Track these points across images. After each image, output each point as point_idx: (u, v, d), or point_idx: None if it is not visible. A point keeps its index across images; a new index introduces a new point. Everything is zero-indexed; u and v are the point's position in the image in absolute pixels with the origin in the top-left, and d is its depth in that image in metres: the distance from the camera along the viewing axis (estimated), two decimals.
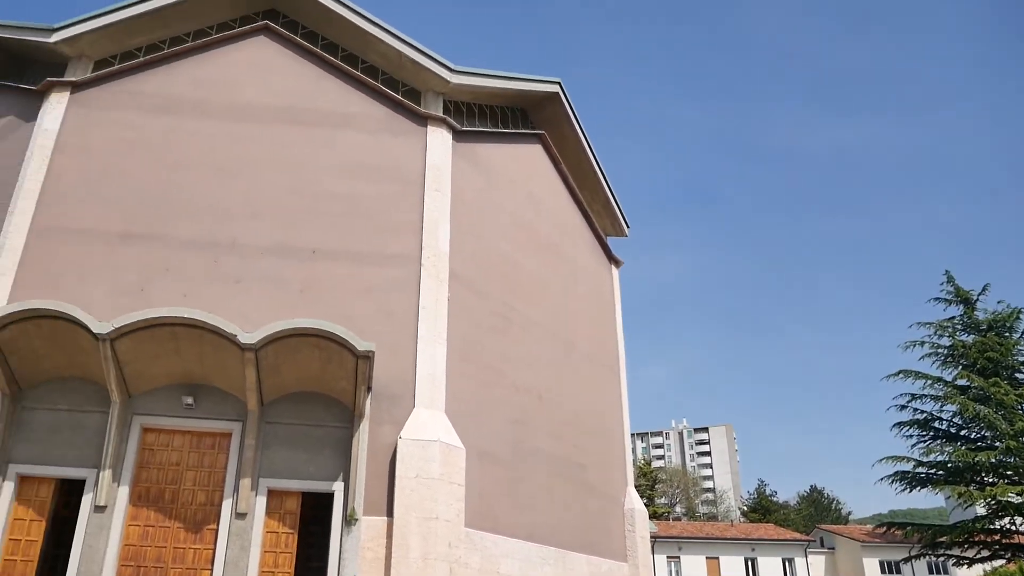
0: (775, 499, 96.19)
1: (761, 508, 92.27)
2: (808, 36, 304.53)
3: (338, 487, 16.89)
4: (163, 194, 19.13)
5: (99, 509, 16.13)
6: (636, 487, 26.36)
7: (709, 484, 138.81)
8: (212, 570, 16.05)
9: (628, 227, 30.02)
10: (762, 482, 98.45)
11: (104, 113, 20.06)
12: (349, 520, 16.47)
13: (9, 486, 16.25)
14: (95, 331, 15.50)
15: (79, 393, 17.03)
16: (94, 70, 20.77)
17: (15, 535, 16.15)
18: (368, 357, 16.01)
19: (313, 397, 17.49)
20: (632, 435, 27.65)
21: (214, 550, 16.23)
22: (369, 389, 17.22)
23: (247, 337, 15.62)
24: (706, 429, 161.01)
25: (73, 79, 20.32)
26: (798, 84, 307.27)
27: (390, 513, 16.73)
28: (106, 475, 16.19)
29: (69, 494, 17.42)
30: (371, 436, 17.30)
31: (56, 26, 20.45)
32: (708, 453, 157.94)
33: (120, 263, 18.33)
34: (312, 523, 18.47)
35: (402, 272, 19.02)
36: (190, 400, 17.10)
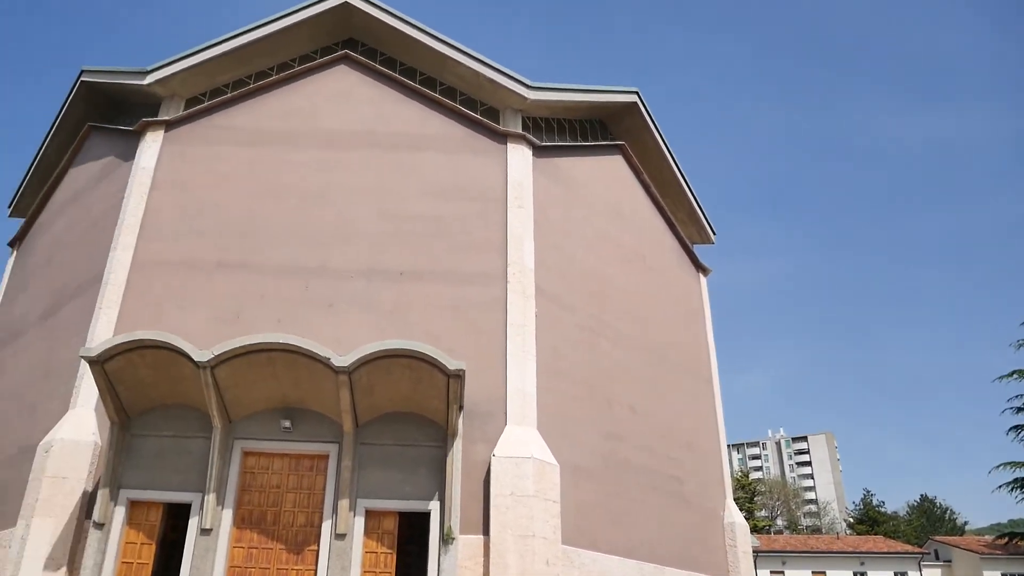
0: (883, 510, 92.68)
1: (868, 520, 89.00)
2: (891, 23, 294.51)
3: (434, 506, 16.99)
4: (255, 223, 19.79)
5: (205, 532, 16.63)
6: (734, 500, 25.68)
7: (811, 495, 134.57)
8: None
9: (714, 234, 29.51)
10: (868, 492, 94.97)
11: (196, 149, 20.88)
12: (446, 539, 16.54)
13: (120, 511, 16.94)
14: (195, 359, 16.05)
15: (183, 419, 17.66)
16: (185, 108, 21.68)
17: (127, 558, 16.80)
18: (459, 376, 16.09)
19: (406, 417, 17.67)
20: (728, 446, 26.99)
21: (315, 570, 16.52)
22: (461, 408, 17.30)
23: (340, 360, 15.90)
24: (805, 438, 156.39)
25: (167, 118, 21.23)
26: (884, 75, 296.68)
27: (486, 531, 16.73)
28: (210, 499, 16.69)
29: (176, 517, 18.04)
30: (465, 454, 17.37)
31: (149, 68, 21.43)
32: (808, 463, 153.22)
33: (217, 292, 19.02)
34: (409, 542, 18.63)
35: (489, 290, 19.12)
36: (288, 424, 17.51)
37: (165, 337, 16.27)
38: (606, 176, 23.86)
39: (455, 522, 16.68)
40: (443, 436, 17.39)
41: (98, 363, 16.22)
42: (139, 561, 16.77)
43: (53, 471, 17.11)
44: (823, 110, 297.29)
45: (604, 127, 25.12)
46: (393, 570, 16.84)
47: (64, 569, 16.57)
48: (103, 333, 18.39)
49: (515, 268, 19.33)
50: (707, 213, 28.77)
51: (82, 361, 17.50)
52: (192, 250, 19.56)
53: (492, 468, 17.11)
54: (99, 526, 16.63)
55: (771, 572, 50.30)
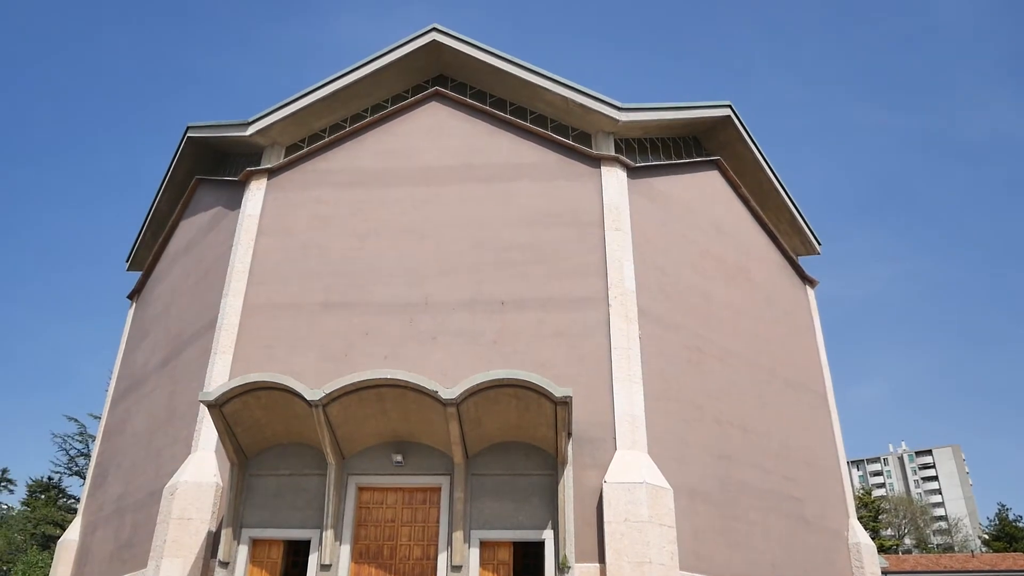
0: (1021, 525, 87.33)
1: (1005, 536, 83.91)
2: (999, 14, 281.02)
3: (548, 535, 16.85)
4: (357, 262, 20.26)
5: (325, 568, 16.92)
6: (858, 519, 24.59)
7: (939, 512, 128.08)
8: None
9: (819, 244, 28.58)
10: (1003, 506, 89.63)
11: (298, 193, 21.56)
12: (562, 568, 16.36)
13: (244, 549, 17.42)
14: (308, 398, 16.42)
15: (298, 458, 18.09)
16: (286, 155, 22.45)
17: None
18: (566, 403, 15.97)
19: (515, 446, 17.64)
20: (847, 463, 25.94)
21: None
22: (569, 434, 17.16)
23: (448, 393, 16.02)
24: (929, 452, 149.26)
25: (269, 166, 22.01)
26: (995, 63, 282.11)
27: (602, 559, 16.50)
28: (328, 535, 16.99)
29: (296, 554, 18.41)
30: (576, 481, 17.21)
31: (250, 120, 22.31)
32: (935, 478, 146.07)
33: (324, 331, 19.49)
34: (525, 572, 18.49)
35: (591, 314, 18.99)
36: (399, 458, 17.72)
37: (278, 378, 16.72)
38: (703, 192, 23.48)
39: (570, 551, 16.49)
40: (553, 464, 17.26)
41: (216, 406, 16.78)
42: None
43: (179, 513, 17.74)
44: (929, 106, 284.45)
45: (698, 143, 24.77)
46: None
47: None
48: (219, 377, 19.07)
49: (616, 291, 19.15)
50: (810, 223, 27.93)
51: (201, 405, 18.11)
52: (299, 292, 20.15)
53: (604, 494, 16.89)
54: (224, 565, 17.14)
55: None
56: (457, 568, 16.65)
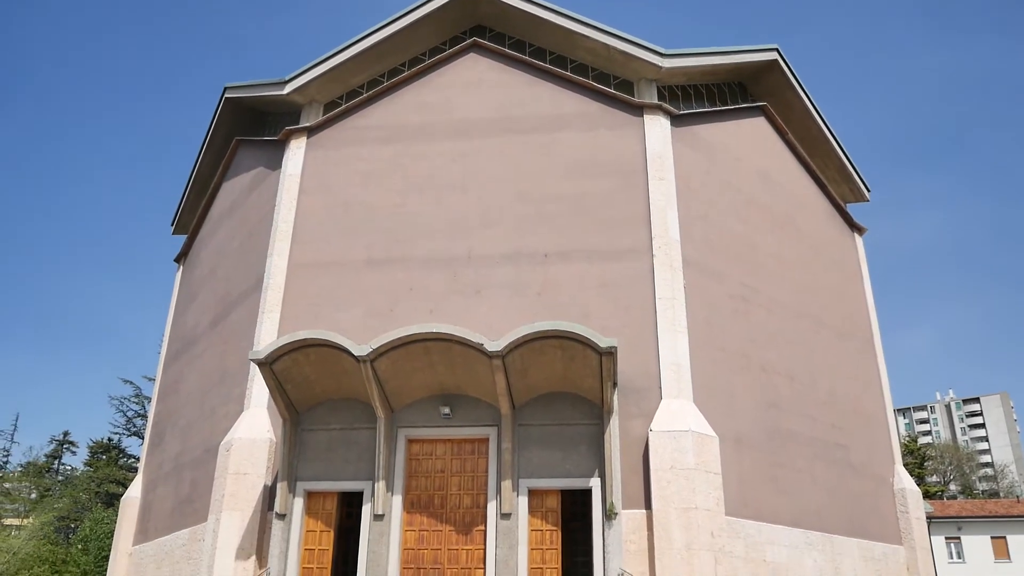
0: None
1: None
2: None
3: (595, 483, 17.04)
4: (400, 218, 20.34)
5: (378, 518, 17.33)
6: (904, 466, 24.47)
7: (986, 459, 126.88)
8: (485, 569, 16.79)
9: (868, 190, 27.97)
10: None
11: (338, 151, 21.60)
12: (609, 515, 16.56)
13: (299, 502, 17.89)
14: (356, 354, 16.66)
15: (348, 412, 18.43)
16: (324, 113, 22.45)
17: (309, 545, 17.76)
18: (611, 353, 16.00)
19: (561, 397, 17.77)
20: (893, 411, 25.74)
21: (484, 550, 16.96)
22: (615, 384, 17.23)
23: (493, 345, 16.14)
24: (977, 400, 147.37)
25: (308, 124, 22.06)
26: None
27: (648, 506, 16.70)
28: (380, 486, 17.35)
29: (350, 505, 18.89)
30: (622, 430, 17.34)
31: (287, 78, 22.32)
32: (982, 425, 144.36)
33: (369, 287, 19.68)
34: (573, 519, 18.76)
35: (635, 264, 18.92)
36: (447, 410, 17.95)
37: (326, 335, 16.98)
38: (749, 140, 23.07)
39: (617, 498, 16.68)
40: (599, 414, 17.39)
41: (266, 364, 17.12)
42: (320, 548, 17.71)
43: (235, 468, 18.23)
44: (989, 46, 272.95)
45: (744, 89, 24.25)
46: (559, 546, 17.04)
47: (253, 558, 17.64)
48: (268, 336, 19.40)
49: (660, 241, 19.02)
50: (859, 169, 27.30)
51: (252, 363, 18.49)
52: (342, 249, 20.31)
53: (650, 443, 17.00)
54: (281, 517, 17.62)
55: (946, 538, 47.76)
56: (506, 516, 16.94)
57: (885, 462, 23.56)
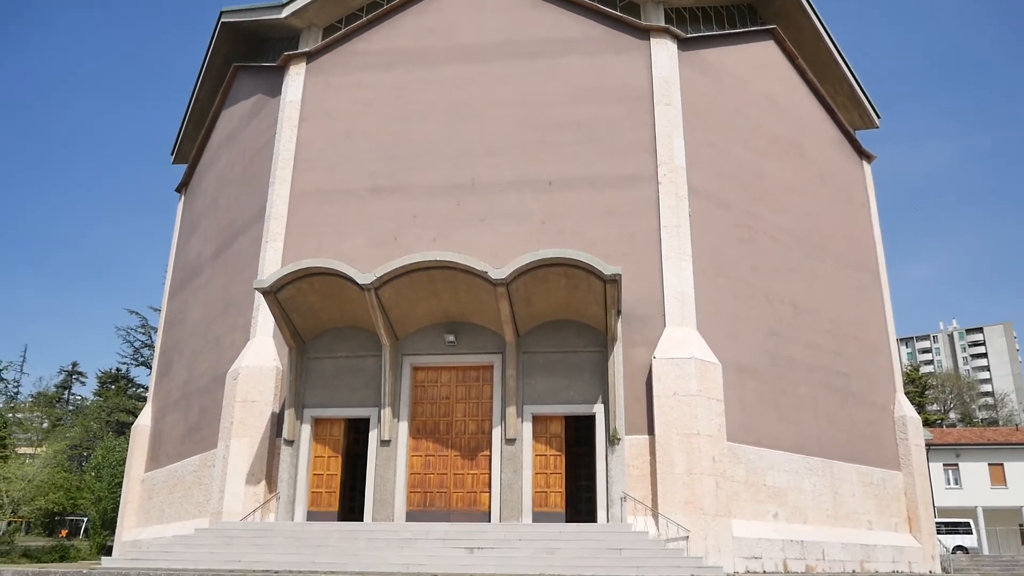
0: None
1: None
2: None
3: (598, 409, 17.27)
4: (403, 145, 20.14)
5: (384, 443, 17.62)
6: (905, 394, 24.67)
7: (986, 388, 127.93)
8: (490, 493, 17.14)
9: (879, 117, 27.51)
10: None
11: (339, 77, 21.28)
12: (612, 440, 16.81)
13: (307, 428, 18.18)
14: (360, 282, 16.71)
15: (353, 340, 18.57)
16: (323, 37, 22.00)
17: (317, 470, 18.13)
18: (615, 281, 16.03)
19: (565, 325, 17.87)
20: (896, 340, 25.78)
21: (490, 474, 17.32)
22: (619, 312, 17.30)
23: (497, 273, 16.16)
24: (980, 330, 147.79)
25: (307, 49, 21.68)
26: None
27: (651, 431, 16.94)
28: (386, 413, 17.59)
29: (357, 432, 19.18)
30: (625, 358, 17.48)
31: (284, 1, 21.79)
32: (984, 355, 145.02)
33: (372, 216, 19.62)
34: (576, 444, 19.03)
35: (640, 192, 18.79)
36: (451, 338, 18.07)
37: (330, 263, 17.01)
38: (758, 64, 22.63)
39: (620, 423, 16.91)
40: (603, 341, 17.51)
41: (271, 293, 17.19)
42: (328, 472, 18.09)
43: (243, 396, 18.48)
44: None
45: (753, 11, 23.64)
46: (563, 470, 17.37)
47: (263, 483, 18.00)
48: (272, 265, 19.43)
49: (666, 168, 18.85)
50: (870, 95, 26.83)
51: (256, 293, 18.56)
52: (345, 177, 20.17)
53: (653, 370, 17.14)
54: (289, 443, 17.92)
55: (944, 465, 48.40)
56: (511, 441, 17.21)
57: (886, 390, 23.75)
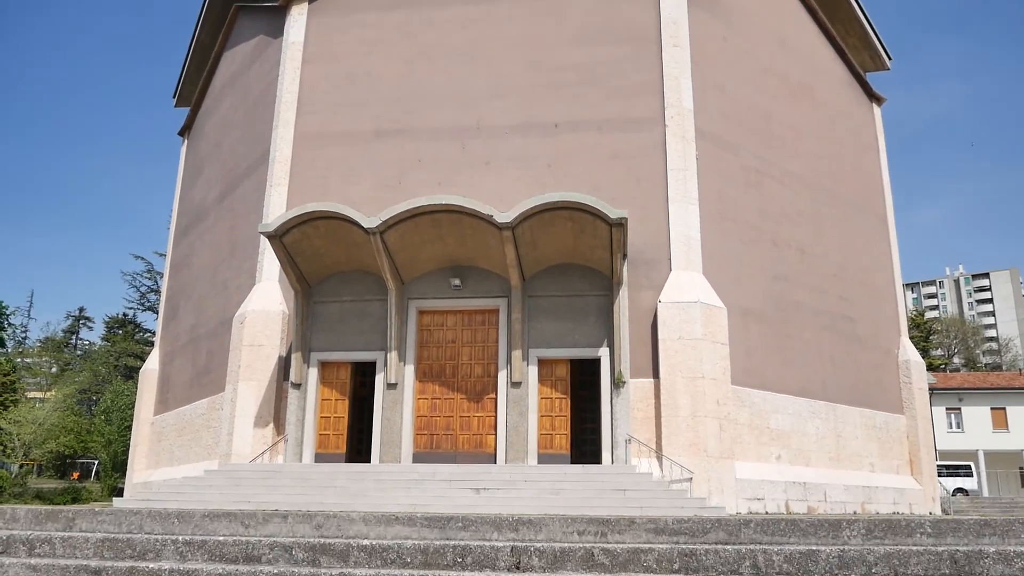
0: None
1: None
2: None
3: (603, 352, 17.35)
4: (407, 88, 19.90)
5: (391, 386, 17.77)
6: (909, 339, 24.72)
7: (991, 333, 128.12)
8: (496, 435, 17.33)
9: (890, 59, 27.01)
10: None
11: (342, 18, 20.92)
12: (617, 383, 16.91)
13: (314, 372, 18.33)
14: (365, 226, 16.68)
15: (359, 284, 18.62)
16: None
17: (325, 413, 18.32)
18: (621, 224, 15.97)
19: (571, 268, 17.86)
20: (902, 286, 25.76)
21: (495, 417, 17.49)
22: (625, 256, 17.27)
23: (503, 217, 16.12)
24: (987, 275, 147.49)
25: None
26: None
27: (656, 375, 17.02)
28: (393, 356, 17.71)
29: (364, 375, 19.30)
30: (631, 302, 17.49)
31: None
32: (989, 300, 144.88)
33: (377, 159, 19.48)
34: (582, 387, 19.16)
35: (647, 135, 18.59)
36: (457, 282, 18.09)
37: (334, 207, 16.96)
38: (768, 4, 22.18)
39: (625, 367, 17.00)
40: (608, 285, 17.52)
41: (276, 237, 17.18)
42: (335, 415, 18.28)
43: (249, 340, 18.58)
44: None
45: None
46: (568, 413, 17.53)
47: (271, 426, 18.20)
48: (277, 209, 19.36)
49: (673, 111, 18.62)
50: (882, 36, 26.32)
51: (262, 237, 18.56)
52: (349, 120, 19.98)
53: (659, 314, 17.17)
54: (296, 386, 18.08)
55: (947, 409, 48.83)
56: (516, 384, 17.33)
57: (891, 335, 23.80)
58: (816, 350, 20.48)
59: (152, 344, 35.46)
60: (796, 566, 8.84)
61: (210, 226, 24.12)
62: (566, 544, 9.31)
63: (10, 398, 41.62)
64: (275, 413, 18.29)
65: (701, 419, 16.41)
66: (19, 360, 53.22)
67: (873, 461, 21.24)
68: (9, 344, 56.79)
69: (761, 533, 10.00)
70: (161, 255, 47.09)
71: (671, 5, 19.34)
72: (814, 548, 9.05)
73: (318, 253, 18.00)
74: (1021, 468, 47.28)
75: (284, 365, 18.55)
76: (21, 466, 37.00)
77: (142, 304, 55.37)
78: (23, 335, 62.55)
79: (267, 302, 18.94)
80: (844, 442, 20.48)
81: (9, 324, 56.72)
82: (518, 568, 9.01)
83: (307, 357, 18.31)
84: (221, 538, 9.89)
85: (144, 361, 28.91)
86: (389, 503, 13.75)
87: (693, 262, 17.76)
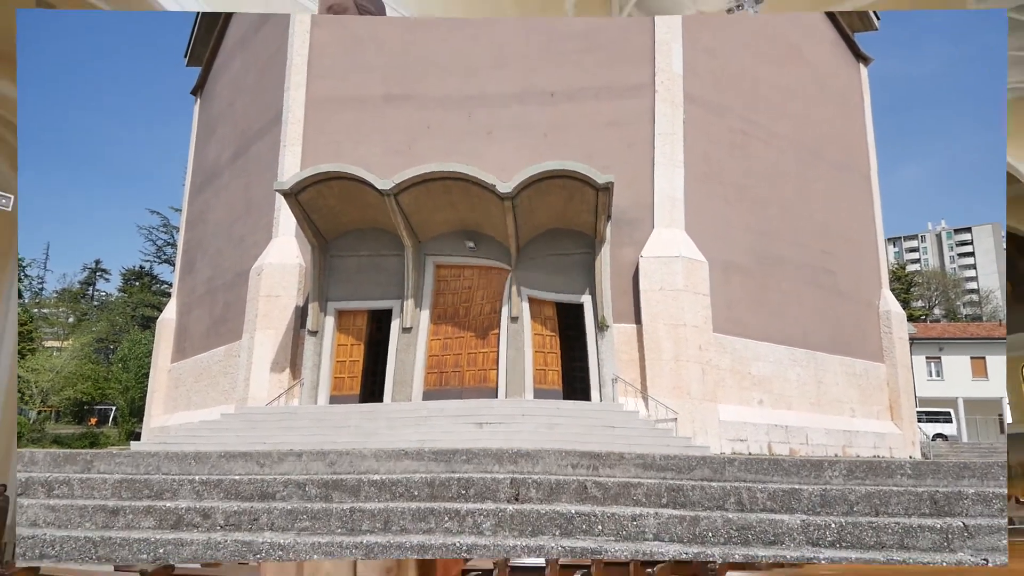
0: None
1: None
2: None
3: (586, 299, 18.59)
4: (412, 54, 20.76)
5: (406, 331, 18.97)
6: (890, 291, 25.70)
7: (972, 286, 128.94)
8: (497, 370, 18.47)
9: (878, 19, 27.44)
10: None
11: None
12: (601, 326, 18.16)
13: (330, 320, 19.49)
14: (379, 188, 17.64)
15: (375, 241, 19.64)
16: None
17: (340, 357, 19.50)
18: (607, 188, 16.99)
19: (561, 232, 18.93)
20: (884, 241, 26.67)
21: (497, 352, 18.56)
22: (609, 217, 18.36)
23: (504, 187, 17.07)
24: (969, 229, 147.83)
25: None
26: None
27: (638, 320, 18.22)
28: (409, 303, 18.91)
29: (379, 322, 20.34)
30: (613, 257, 18.62)
31: None
32: (971, 254, 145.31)
33: (387, 124, 20.39)
34: (569, 329, 20.13)
35: (638, 102, 19.50)
36: (472, 244, 19.21)
37: (350, 169, 17.89)
38: None
39: (608, 312, 18.21)
40: (593, 243, 18.62)
41: (291, 195, 18.15)
42: (351, 359, 19.47)
43: (267, 291, 19.71)
44: None
45: None
46: (558, 350, 18.81)
47: (287, 371, 19.40)
48: (291, 168, 20.32)
49: (663, 76, 19.53)
50: None
51: (277, 195, 19.50)
52: (360, 85, 20.83)
53: (640, 267, 18.36)
54: (313, 333, 19.24)
55: (927, 358, 49.85)
56: (515, 319, 18.50)
57: (872, 287, 24.76)
58: (797, 301, 21.49)
59: (169, 295, 36.39)
60: (779, 503, 9.03)
61: (225, 183, 25.07)
62: (561, 477, 9.85)
63: (27, 347, 42.58)
64: (291, 359, 19.43)
65: (684, 363, 17.64)
66: (36, 311, 54.09)
67: (854, 407, 22.27)
68: (26, 295, 57.70)
69: (745, 471, 10.20)
70: (177, 210, 47.97)
71: None
72: (797, 487, 9.28)
73: (333, 211, 18.94)
74: (1000, 415, 48.71)
75: (301, 314, 19.64)
76: (39, 412, 37.92)
77: (158, 257, 56.17)
78: (40, 286, 63.39)
79: (284, 255, 20.01)
80: (825, 388, 21.53)
81: (26, 276, 57.72)
82: (517, 499, 9.41)
83: (324, 306, 19.40)
84: (237, 477, 10.34)
85: (161, 311, 29.95)
86: (400, 440, 14.26)
87: (676, 220, 18.88)
